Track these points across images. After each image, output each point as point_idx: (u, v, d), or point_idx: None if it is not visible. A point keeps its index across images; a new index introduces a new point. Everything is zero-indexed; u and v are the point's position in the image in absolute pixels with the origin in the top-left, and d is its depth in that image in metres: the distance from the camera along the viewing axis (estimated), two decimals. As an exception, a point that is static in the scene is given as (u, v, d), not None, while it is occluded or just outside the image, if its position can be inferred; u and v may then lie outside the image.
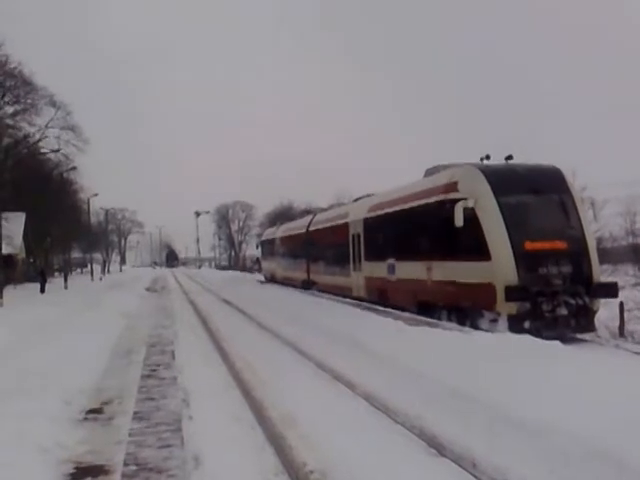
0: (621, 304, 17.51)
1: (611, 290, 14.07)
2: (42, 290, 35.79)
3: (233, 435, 6.88)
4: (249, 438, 6.85)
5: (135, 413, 7.29)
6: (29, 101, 38.47)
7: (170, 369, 10.24)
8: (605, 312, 15.87)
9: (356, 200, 25.94)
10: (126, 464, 5.51)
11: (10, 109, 38.63)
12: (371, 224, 21.18)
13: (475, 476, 5.58)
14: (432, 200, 16.09)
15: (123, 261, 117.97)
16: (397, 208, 18.72)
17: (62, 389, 8.16)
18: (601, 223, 23.76)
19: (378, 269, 20.03)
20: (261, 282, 43.02)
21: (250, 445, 6.58)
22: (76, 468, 5.74)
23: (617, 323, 17.52)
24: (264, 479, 5.62)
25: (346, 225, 23.81)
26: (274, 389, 8.95)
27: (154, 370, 10.16)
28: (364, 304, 20.01)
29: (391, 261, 18.93)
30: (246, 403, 8.43)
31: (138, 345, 13.36)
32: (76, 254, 75.22)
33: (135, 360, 11.48)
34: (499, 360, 8.53)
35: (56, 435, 6.37)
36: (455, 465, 5.89)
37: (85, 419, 7.52)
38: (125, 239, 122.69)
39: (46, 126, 40.87)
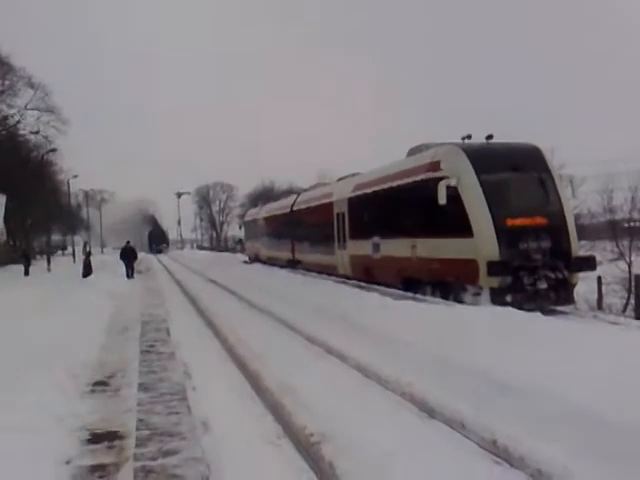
0: (599, 278, 18.19)
1: (589, 263, 14.59)
2: (26, 272, 35.78)
3: (236, 404, 7.31)
4: (250, 406, 7.27)
5: (140, 384, 7.61)
6: (7, 82, 38.00)
7: (167, 344, 10.55)
8: (584, 286, 16.46)
9: (340, 179, 26.23)
10: (139, 429, 5.85)
11: (-12, 91, 38.18)
12: (356, 203, 21.51)
13: (464, 435, 6.02)
14: (416, 179, 16.47)
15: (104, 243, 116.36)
16: (381, 187, 19.07)
17: (66, 364, 8.43)
18: (579, 200, 24.38)
19: (363, 247, 20.42)
20: (245, 262, 43.28)
21: (252, 412, 7.01)
22: (92, 434, 6.09)
23: (596, 296, 18.21)
24: (268, 442, 6.04)
25: (331, 204, 24.13)
26: (269, 362, 9.27)
27: (152, 346, 10.45)
28: (350, 282, 20.41)
29: (376, 239, 19.32)
30: (243, 375, 8.82)
31: (132, 323, 13.64)
32: (56, 236, 74.72)
33: (132, 337, 11.77)
34: (483, 330, 8.98)
35: (68, 405, 6.71)
36: (445, 426, 6.33)
37: (93, 391, 7.88)
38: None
39: (25, 107, 40.45)
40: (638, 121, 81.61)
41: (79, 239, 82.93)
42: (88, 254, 33.01)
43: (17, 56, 39.63)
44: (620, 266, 24.83)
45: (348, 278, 21.59)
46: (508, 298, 13.20)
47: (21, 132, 44.41)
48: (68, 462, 5.36)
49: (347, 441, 5.79)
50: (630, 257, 26.05)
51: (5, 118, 41.37)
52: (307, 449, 5.77)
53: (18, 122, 42.73)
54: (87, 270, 30.30)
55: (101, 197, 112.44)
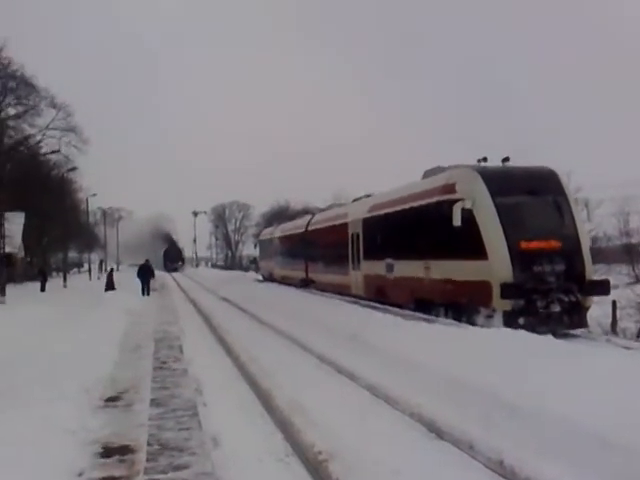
0: (614, 302, 18.03)
1: (603, 287, 14.51)
2: (42, 289, 36.18)
3: (245, 421, 7.37)
4: (260, 424, 7.32)
5: (152, 400, 7.72)
6: (30, 103, 38.67)
7: (180, 362, 10.68)
8: (599, 310, 16.34)
9: (355, 200, 26.35)
10: (150, 444, 5.94)
11: (12, 111, 38.83)
12: (370, 224, 21.59)
13: (472, 456, 6.03)
14: (431, 201, 16.51)
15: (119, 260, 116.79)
16: (396, 208, 19.14)
17: (79, 379, 8.52)
18: (595, 223, 24.27)
19: (377, 268, 20.44)
20: (259, 281, 43.37)
21: (261, 430, 7.06)
22: (103, 448, 6.18)
23: (610, 320, 18.06)
24: (277, 459, 6.08)
25: (345, 225, 24.22)
26: (279, 380, 9.36)
27: (164, 362, 10.59)
28: (362, 302, 20.41)
29: (390, 260, 19.35)
30: (254, 393, 8.89)
31: (146, 340, 13.78)
32: (72, 254, 75.38)
33: (145, 354, 11.90)
34: (494, 352, 8.97)
35: (80, 419, 6.81)
36: (454, 447, 6.34)
37: (105, 405, 7.98)
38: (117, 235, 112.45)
39: (47, 127, 41.07)
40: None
41: (95, 257, 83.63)
42: (111, 270, 34.25)
43: (40, 75, 40.22)
44: (636, 290, 24.59)
45: (361, 298, 21.59)
46: (521, 321, 13.13)
47: (42, 151, 44.99)
48: (80, 474, 5.45)
49: (355, 460, 5.84)
50: (646, 282, 25.86)
51: (27, 138, 41.99)
52: (315, 467, 5.81)
53: (40, 141, 43.35)
54: (110, 285, 31.40)
55: (119, 215, 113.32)
